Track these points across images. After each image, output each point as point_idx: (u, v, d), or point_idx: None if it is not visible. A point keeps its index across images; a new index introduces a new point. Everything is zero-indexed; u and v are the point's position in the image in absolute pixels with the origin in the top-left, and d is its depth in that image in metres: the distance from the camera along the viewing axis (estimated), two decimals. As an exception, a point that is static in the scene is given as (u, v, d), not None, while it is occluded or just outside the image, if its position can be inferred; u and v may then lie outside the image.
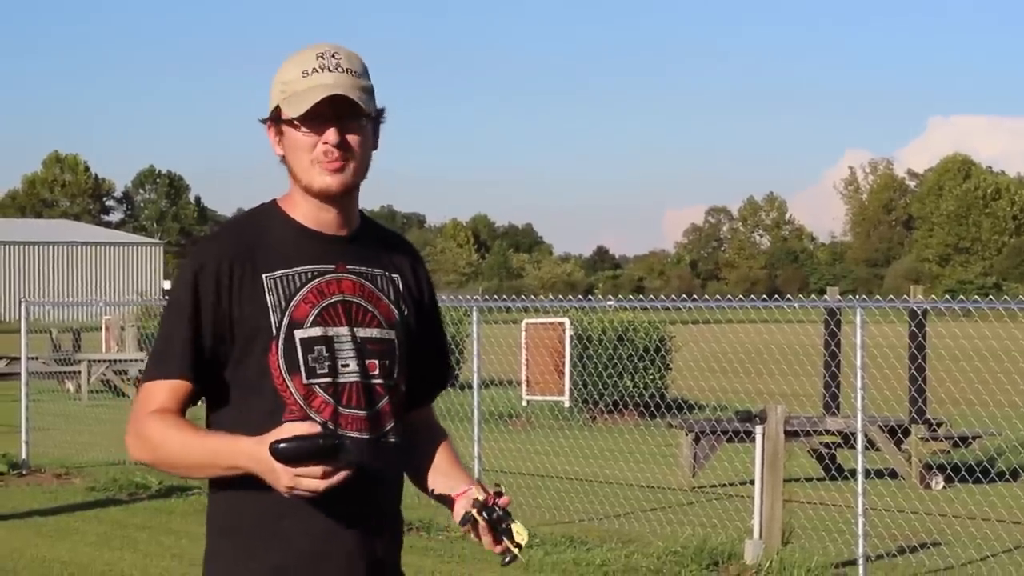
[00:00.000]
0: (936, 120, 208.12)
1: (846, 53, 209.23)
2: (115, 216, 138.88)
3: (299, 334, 3.29)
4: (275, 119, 3.37)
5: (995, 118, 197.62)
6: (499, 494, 3.27)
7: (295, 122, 3.30)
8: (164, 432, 3.25)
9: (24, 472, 16.44)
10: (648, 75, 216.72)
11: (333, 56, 3.31)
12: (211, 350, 3.30)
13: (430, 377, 3.60)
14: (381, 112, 3.41)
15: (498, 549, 3.24)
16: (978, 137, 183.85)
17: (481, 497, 3.27)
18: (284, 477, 3.06)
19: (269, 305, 3.29)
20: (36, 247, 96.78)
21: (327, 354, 3.30)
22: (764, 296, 13.03)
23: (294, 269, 3.34)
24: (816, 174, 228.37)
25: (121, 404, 26.77)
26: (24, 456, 16.96)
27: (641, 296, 14.38)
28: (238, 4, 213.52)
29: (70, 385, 30.30)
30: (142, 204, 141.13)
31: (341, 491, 3.17)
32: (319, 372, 3.29)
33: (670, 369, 23.96)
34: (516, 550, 3.22)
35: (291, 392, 3.27)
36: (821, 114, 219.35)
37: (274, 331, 3.28)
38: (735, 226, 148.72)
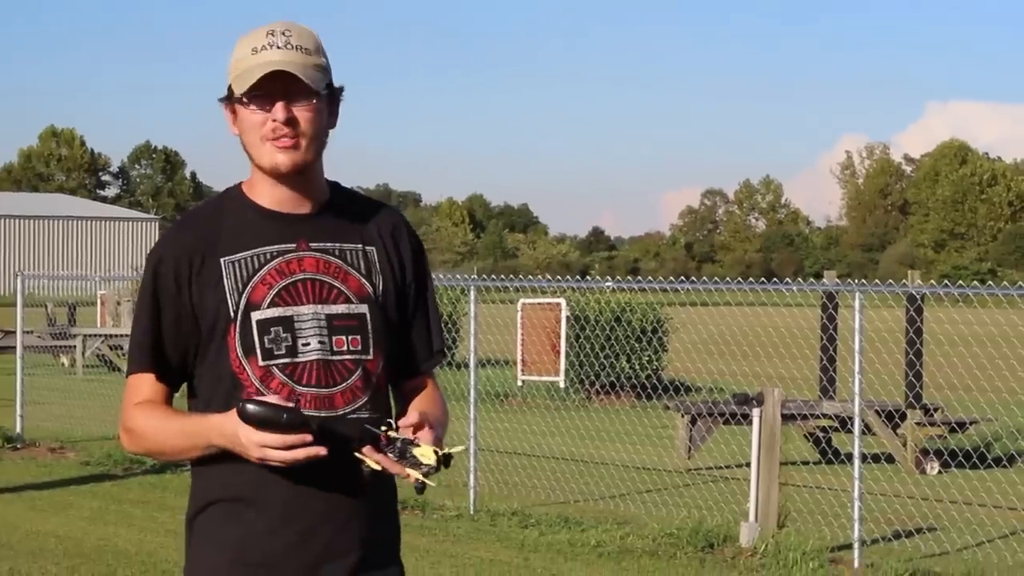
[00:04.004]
0: (933, 105, 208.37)
1: (844, 37, 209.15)
2: (111, 191, 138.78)
3: (256, 316, 3.30)
4: (229, 98, 3.37)
5: (993, 104, 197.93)
6: (388, 426, 3.20)
7: (244, 100, 3.31)
8: (145, 422, 3.35)
9: (19, 446, 16.42)
10: (646, 57, 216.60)
11: (283, 33, 3.30)
12: (177, 342, 3.35)
13: (420, 347, 3.55)
14: (339, 90, 3.40)
15: (410, 479, 3.18)
16: (975, 123, 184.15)
17: (368, 452, 3.20)
18: (251, 447, 3.12)
19: (227, 289, 3.31)
20: (32, 221, 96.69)
21: (285, 334, 3.30)
22: (762, 279, 13.00)
23: (253, 251, 3.34)
24: (812, 158, 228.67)
25: (116, 379, 26.73)
26: (19, 430, 16.94)
27: (639, 278, 14.35)
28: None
29: (65, 359, 30.30)
30: (138, 179, 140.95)
31: (306, 472, 3.21)
32: (276, 353, 3.29)
33: (666, 351, 23.95)
34: (422, 476, 3.16)
35: (248, 374, 3.28)
36: (818, 98, 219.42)
37: (232, 314, 3.30)
38: (731, 209, 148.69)
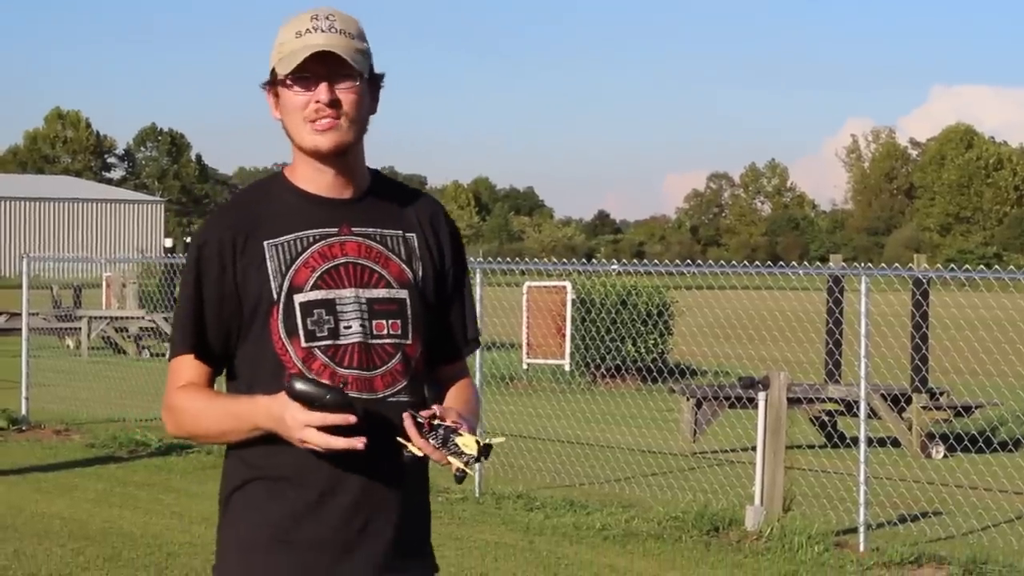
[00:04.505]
0: (939, 89, 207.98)
1: (850, 20, 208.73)
2: (116, 173, 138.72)
3: (298, 298, 3.34)
4: (272, 82, 3.40)
5: (999, 88, 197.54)
6: (433, 416, 3.22)
7: (287, 81, 3.35)
8: (190, 404, 3.38)
9: (24, 428, 16.42)
10: (651, 40, 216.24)
11: (327, 18, 3.36)
12: (222, 323, 3.39)
13: (456, 334, 3.59)
14: (380, 77, 3.45)
15: (452, 468, 3.21)
16: (981, 107, 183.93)
17: (413, 435, 3.21)
18: (295, 426, 3.15)
19: (270, 271, 3.35)
20: (37, 203, 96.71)
21: (327, 317, 3.34)
22: (768, 263, 12.98)
23: (296, 234, 3.38)
24: (818, 142, 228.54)
25: (121, 361, 26.76)
26: (24, 412, 16.94)
27: (644, 261, 14.35)
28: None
29: (70, 341, 30.31)
30: (143, 161, 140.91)
31: (346, 455, 3.22)
32: (319, 335, 3.33)
33: (672, 334, 23.92)
34: (464, 465, 3.18)
35: (291, 356, 3.32)
36: (824, 81, 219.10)
37: (275, 297, 3.34)
38: (736, 192, 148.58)
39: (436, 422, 3.21)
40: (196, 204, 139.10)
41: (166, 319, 27.58)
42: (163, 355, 28.34)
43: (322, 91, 3.32)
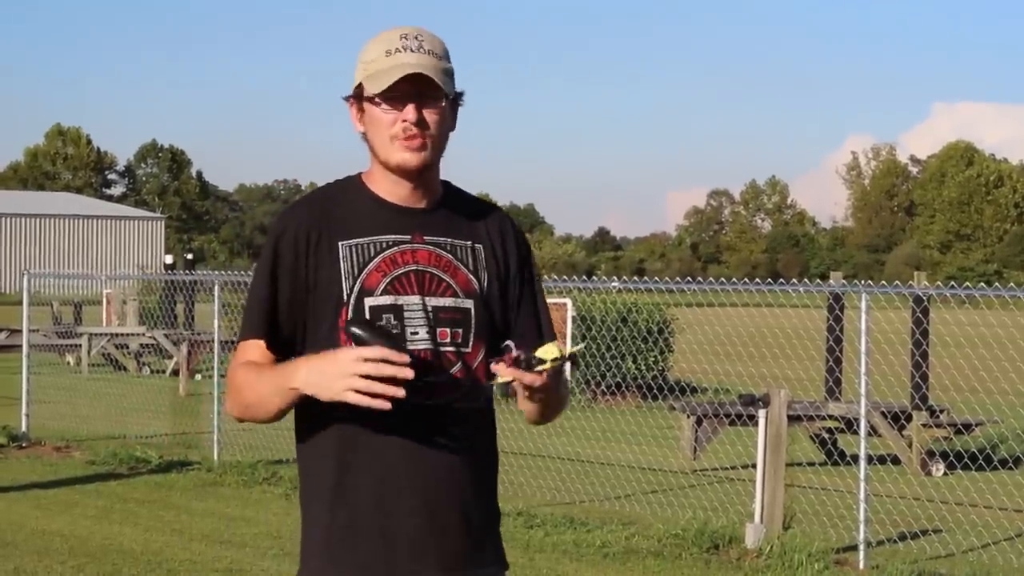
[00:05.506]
0: (940, 106, 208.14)
1: (851, 37, 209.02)
2: (117, 190, 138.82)
3: (368, 302, 3.43)
4: (357, 96, 3.49)
5: (999, 105, 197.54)
6: (509, 349, 3.34)
7: (376, 99, 3.43)
8: (244, 376, 3.45)
9: (24, 445, 16.41)
10: (652, 57, 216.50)
11: (416, 38, 3.45)
12: (290, 313, 3.46)
13: (528, 339, 3.63)
14: (460, 95, 3.54)
15: (544, 375, 3.31)
16: (982, 124, 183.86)
17: (499, 368, 3.33)
18: (346, 361, 3.21)
19: (342, 272, 3.44)
20: (38, 220, 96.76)
21: (395, 322, 3.42)
22: (768, 280, 12.97)
23: (370, 238, 3.47)
24: (818, 159, 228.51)
25: (121, 378, 26.76)
26: (24, 429, 16.94)
27: (645, 278, 14.44)
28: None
29: (70, 358, 30.30)
30: (144, 178, 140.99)
31: (408, 450, 3.37)
32: None
33: (672, 351, 23.92)
34: (553, 363, 3.31)
35: None
36: (824, 98, 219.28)
37: (345, 298, 3.42)
38: (736, 209, 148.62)
39: (515, 354, 3.31)
40: (196, 220, 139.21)
41: (166, 336, 27.61)
42: (163, 372, 28.41)
43: (410, 111, 3.41)
